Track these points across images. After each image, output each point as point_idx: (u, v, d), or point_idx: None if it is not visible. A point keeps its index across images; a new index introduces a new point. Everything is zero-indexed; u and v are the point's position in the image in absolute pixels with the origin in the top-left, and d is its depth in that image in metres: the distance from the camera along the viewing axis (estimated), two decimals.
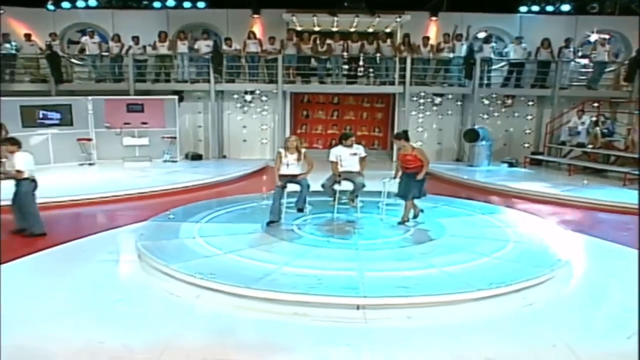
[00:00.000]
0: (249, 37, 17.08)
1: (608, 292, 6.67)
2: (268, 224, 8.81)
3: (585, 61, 17.45)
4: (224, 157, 18.12)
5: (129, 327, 5.49)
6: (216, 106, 17.54)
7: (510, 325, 5.67)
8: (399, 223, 9.01)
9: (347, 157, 9.37)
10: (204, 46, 16.86)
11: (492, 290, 6.16)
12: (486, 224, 9.23)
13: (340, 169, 9.35)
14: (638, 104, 15.09)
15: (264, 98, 17.93)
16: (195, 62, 17.11)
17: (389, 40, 17.38)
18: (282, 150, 9.11)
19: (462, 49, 17.04)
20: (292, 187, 9.18)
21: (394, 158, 9.16)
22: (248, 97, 17.78)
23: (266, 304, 5.99)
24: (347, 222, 9.22)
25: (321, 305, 5.90)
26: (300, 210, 9.15)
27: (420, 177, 8.81)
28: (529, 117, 18.04)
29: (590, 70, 17.41)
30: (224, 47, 16.97)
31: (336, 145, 9.71)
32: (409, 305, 5.89)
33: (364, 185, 9.28)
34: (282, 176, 9.02)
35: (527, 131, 18.07)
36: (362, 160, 9.47)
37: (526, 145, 17.96)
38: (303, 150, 9.17)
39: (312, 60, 17.31)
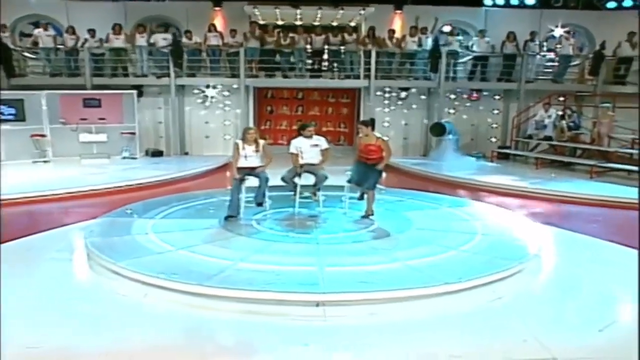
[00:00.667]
0: (209, 30, 16.58)
1: (578, 284, 6.40)
2: (226, 218, 8.42)
3: (550, 55, 17.32)
4: (186, 153, 17.59)
5: (69, 329, 5.03)
6: (177, 101, 17.00)
7: (479, 321, 5.34)
8: (363, 217, 8.67)
9: (308, 148, 8.99)
10: (161, 39, 16.30)
11: (459, 284, 5.85)
12: (453, 217, 8.96)
13: (301, 162, 8.97)
14: (605, 98, 15.07)
15: (226, 93, 17.44)
16: (154, 56, 16.54)
17: (354, 34, 17.03)
18: (239, 142, 8.69)
19: (427, 42, 16.78)
20: (252, 182, 8.78)
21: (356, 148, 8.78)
22: (210, 92, 17.26)
23: (219, 302, 5.59)
24: (308, 216, 8.86)
25: (278, 302, 5.53)
26: (260, 204, 8.74)
27: (380, 167, 8.49)
28: (496, 112, 17.89)
29: (555, 64, 17.31)
30: (184, 40, 16.44)
31: (296, 136, 9.31)
32: (372, 301, 5.54)
33: (326, 178, 8.90)
34: (240, 169, 8.61)
35: (494, 125, 17.92)
36: (323, 152, 9.09)
37: (493, 139, 17.79)
38: (262, 142, 8.78)
39: (276, 54, 16.87)
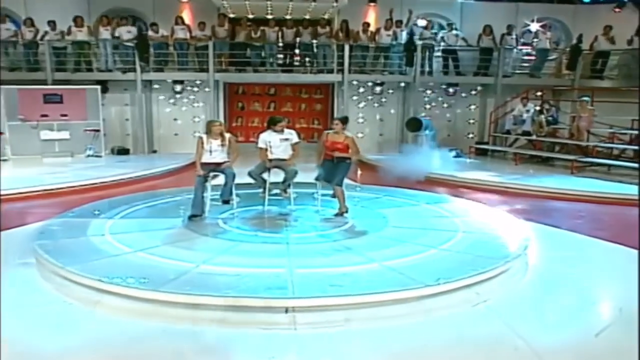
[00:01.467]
0: (176, 23, 15.95)
1: (568, 284, 5.96)
2: (190, 218, 7.87)
3: (527, 49, 17.02)
4: (155, 151, 16.96)
5: (5, 344, 4.44)
6: (144, 97, 16.36)
7: (463, 326, 4.88)
8: (337, 215, 8.18)
9: (277, 143, 8.46)
10: (126, 32, 15.61)
11: (441, 287, 5.37)
12: (432, 214, 8.50)
13: (270, 156, 8.44)
14: (583, 92, 14.81)
15: (195, 89, 16.84)
16: (119, 50, 15.84)
17: (327, 27, 16.53)
18: (203, 136, 8.13)
19: (402, 36, 16.37)
20: (219, 179, 8.24)
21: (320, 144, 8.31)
22: (178, 88, 16.64)
23: (177, 309, 5.04)
24: (278, 214, 8.34)
25: (242, 309, 5.00)
26: (226, 202, 8.18)
27: (349, 162, 8.11)
28: (472, 107, 17.54)
29: (532, 58, 17.03)
30: (150, 33, 15.78)
31: (265, 130, 8.76)
32: (346, 306, 5.03)
33: (296, 173, 8.39)
34: (204, 165, 8.04)
35: (471, 121, 17.57)
36: (294, 146, 8.55)
37: (470, 135, 17.43)
38: (227, 135, 8.22)
39: (247, 49, 16.29)
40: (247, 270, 5.68)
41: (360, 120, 17.24)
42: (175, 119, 17.02)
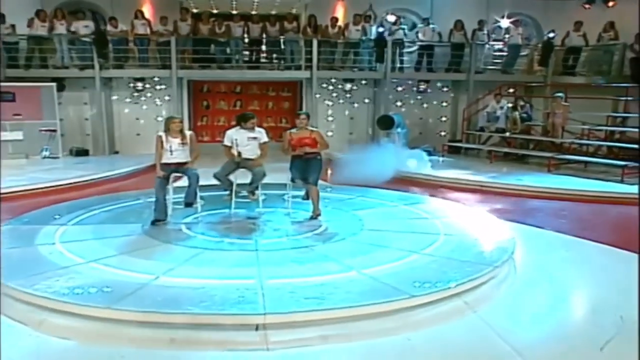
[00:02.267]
0: (136, 17, 15.21)
1: (562, 290, 5.54)
2: (152, 223, 7.29)
3: (499, 44, 16.72)
4: (116, 152, 16.18)
5: None
6: (103, 96, 15.60)
7: (454, 341, 4.41)
8: (311, 218, 7.67)
9: (245, 141, 7.86)
10: (82, 27, 14.80)
11: (427, 297, 4.90)
12: (410, 216, 8.06)
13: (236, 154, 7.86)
14: (556, 88, 14.57)
15: (158, 86, 16.13)
16: (76, 46, 15.04)
17: (294, 22, 15.98)
18: (162, 134, 7.55)
19: (372, 31, 15.91)
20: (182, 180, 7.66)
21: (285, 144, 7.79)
22: (140, 85, 15.91)
23: (134, 328, 4.49)
24: (246, 218, 7.79)
25: (208, 327, 4.47)
26: (189, 205, 7.60)
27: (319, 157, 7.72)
28: (444, 104, 17.18)
29: (504, 53, 16.75)
30: (109, 28, 15.02)
31: (233, 127, 8.18)
32: (324, 321, 4.54)
33: (264, 175, 7.82)
34: (164, 165, 7.45)
35: (443, 118, 17.20)
36: (262, 146, 7.99)
37: (442, 133, 17.06)
38: (188, 133, 7.65)
39: (211, 45, 15.65)
40: (212, 282, 5.16)
41: (330, 118, 16.74)
42: (137, 118, 16.27)
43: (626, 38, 15.29)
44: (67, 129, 15.48)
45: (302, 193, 8.02)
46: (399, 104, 16.79)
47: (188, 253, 6.10)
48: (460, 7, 17.18)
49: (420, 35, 16.22)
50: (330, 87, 16.71)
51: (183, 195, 7.60)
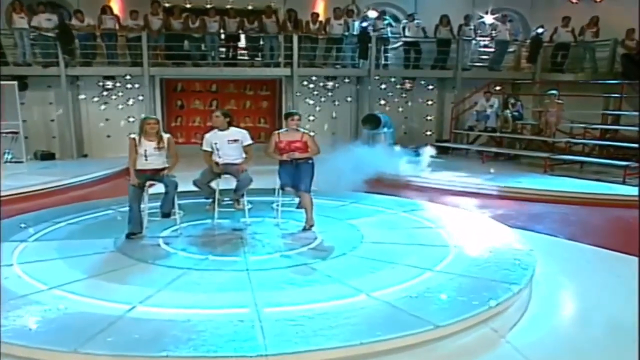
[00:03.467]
0: (104, 12, 14.23)
1: (601, 312, 4.86)
2: (128, 236, 6.47)
3: (486, 41, 16.13)
4: (85, 155, 15.15)
5: None
6: (70, 95, 14.58)
7: None
8: (303, 229, 6.90)
9: (225, 144, 7.05)
10: (44, 20, 13.75)
11: (453, 326, 4.18)
12: (412, 225, 7.34)
13: (219, 161, 7.05)
14: (547, 86, 14.04)
15: (128, 85, 15.17)
16: (39, 41, 14.00)
17: (273, 16, 15.16)
18: (136, 137, 6.69)
19: (355, 26, 15.19)
20: (158, 188, 6.80)
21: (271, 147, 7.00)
22: (109, 84, 14.93)
23: None
24: (232, 230, 6.99)
25: None
26: (167, 216, 6.75)
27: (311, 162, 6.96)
28: (429, 102, 16.52)
29: (491, 50, 16.16)
30: (74, 21, 14.02)
31: (209, 130, 7.35)
32: None
33: (250, 181, 7.03)
34: (139, 172, 6.61)
35: (428, 117, 16.54)
36: (246, 149, 7.17)
37: (428, 132, 16.40)
38: (166, 136, 6.79)
39: (185, 41, 14.77)
40: (199, 312, 4.39)
41: (311, 117, 15.97)
42: (107, 119, 15.27)
43: (612, 34, 14.85)
44: (31, 131, 14.44)
45: (292, 199, 7.24)
46: (382, 102, 16.08)
47: (168, 275, 5.28)
48: (446, 2, 16.50)
49: (405, 31, 15.51)
50: (312, 85, 15.92)
51: (159, 203, 6.77)
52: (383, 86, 16.05)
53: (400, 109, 16.40)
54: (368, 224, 7.22)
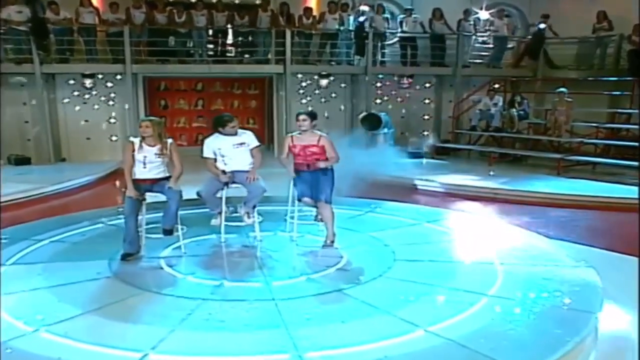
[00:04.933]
0: (82, 5, 13.20)
1: None
2: (124, 258, 5.57)
3: (485, 36, 15.45)
4: (63, 160, 14.09)
5: None
6: (46, 95, 13.54)
7: None
8: (324, 246, 6.07)
9: (231, 150, 6.17)
10: (15, 13, 12.62)
11: None
12: (441, 237, 6.56)
13: (225, 169, 6.17)
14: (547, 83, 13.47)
15: (109, 84, 14.15)
16: (10, 36, 12.90)
17: (261, 10, 14.24)
18: (135, 141, 5.78)
19: (350, 21, 14.41)
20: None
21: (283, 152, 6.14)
22: (88, 83, 13.89)
23: None
24: (242, 247, 6.13)
25: None
26: (169, 233, 5.84)
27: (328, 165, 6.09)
28: (427, 101, 15.77)
29: (489, 46, 15.49)
30: (49, 14, 12.94)
31: (210, 134, 6.46)
32: None
33: (264, 191, 6.13)
34: (137, 182, 5.70)
35: (426, 117, 15.80)
36: (253, 152, 6.26)
37: (425, 132, 15.64)
38: (169, 140, 5.89)
39: (170, 37, 13.82)
40: None
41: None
42: (86, 120, 14.22)
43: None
44: (3, 134, 13.35)
45: (313, 214, 6.44)
46: (378, 101, 15.30)
47: (180, 307, 4.41)
48: None
49: (403, 26, 14.78)
50: (304, 84, 15.07)
51: (159, 215, 5.87)
52: (378, 84, 15.25)
53: (397, 109, 15.61)
54: (394, 238, 6.40)
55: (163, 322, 4.12)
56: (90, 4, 13.36)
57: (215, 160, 6.22)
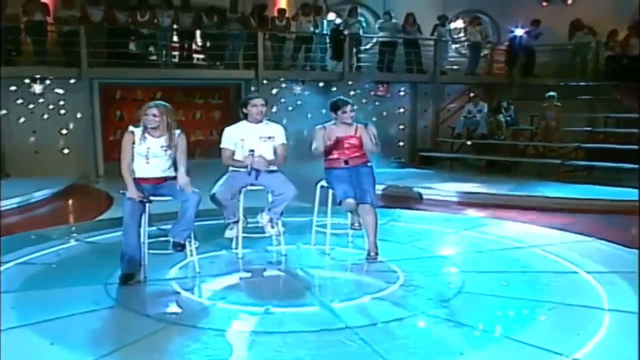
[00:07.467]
0: (29, 1, 11.80)
1: None
2: (122, 280, 4.32)
3: (461, 43, 14.97)
4: (8, 175, 12.46)
5: None
6: None
7: None
8: (367, 258, 4.98)
9: (256, 142, 5.05)
10: None
11: None
12: (495, 245, 5.58)
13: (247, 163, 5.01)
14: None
15: (61, 90, 12.65)
16: None
17: (236, 12, 13.24)
18: (136, 131, 4.58)
19: (324, 25, 13.53)
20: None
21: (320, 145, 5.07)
22: (37, 88, 12.37)
23: None
24: (267, 264, 5.01)
25: None
26: (181, 247, 4.61)
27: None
28: (402, 110, 14.96)
29: (464, 52, 15.00)
30: None
31: (233, 122, 5.33)
32: None
33: (295, 195, 5.01)
34: (140, 182, 4.48)
35: (401, 126, 14.98)
36: (279, 148, 5.18)
37: (401, 143, 14.79)
38: (177, 131, 4.72)
39: (132, 37, 12.62)
40: None
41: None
42: (34, 131, 12.66)
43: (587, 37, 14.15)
44: None
45: (349, 220, 5.38)
46: (355, 107, 14.36)
47: (229, 344, 3.22)
48: (415, 3, 15.15)
49: (381, 30, 14.04)
50: (274, 91, 13.99)
51: (171, 228, 4.64)
52: (357, 91, 14.35)
53: (374, 118, 14.74)
54: (438, 247, 5.44)
55: None
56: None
57: (233, 152, 5.08)
